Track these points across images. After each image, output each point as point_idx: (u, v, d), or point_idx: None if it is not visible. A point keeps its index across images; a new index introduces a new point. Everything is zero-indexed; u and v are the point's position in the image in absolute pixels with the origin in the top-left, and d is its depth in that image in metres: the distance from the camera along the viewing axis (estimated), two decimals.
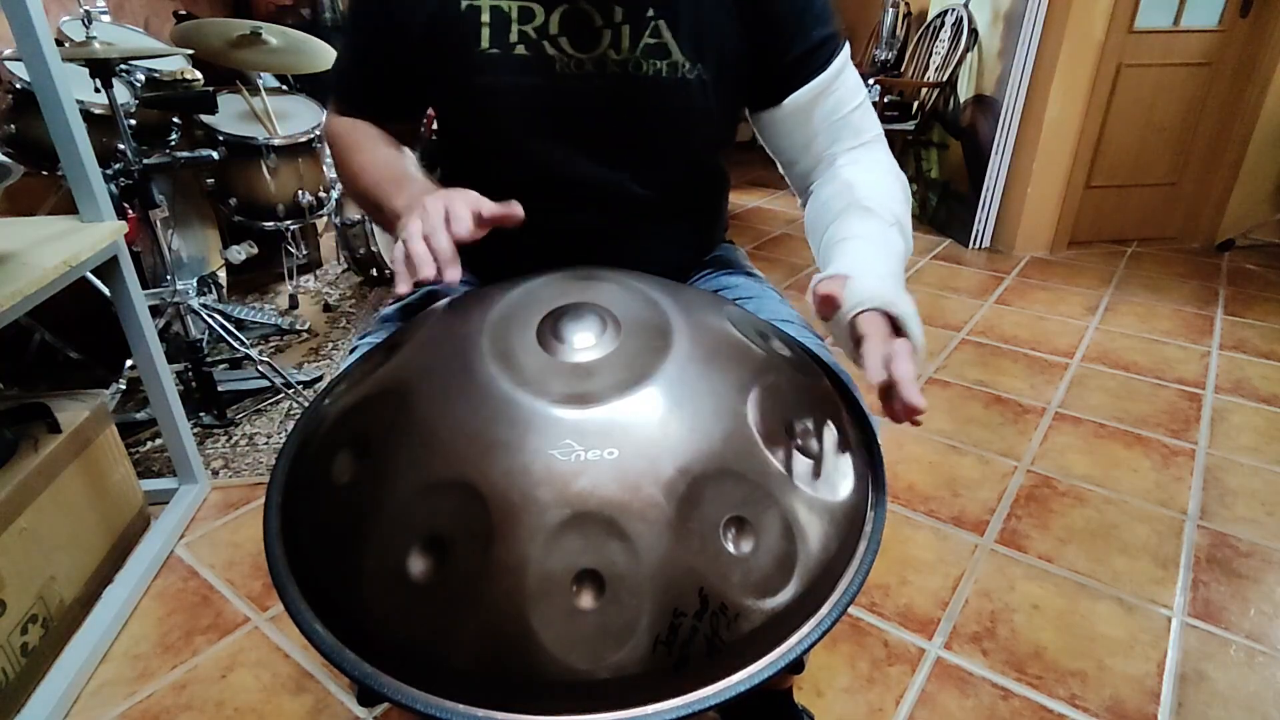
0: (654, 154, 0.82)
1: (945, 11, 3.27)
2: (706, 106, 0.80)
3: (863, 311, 0.59)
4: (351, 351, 0.79)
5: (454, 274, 0.59)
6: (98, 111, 1.79)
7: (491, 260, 0.87)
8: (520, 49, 0.76)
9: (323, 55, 2.17)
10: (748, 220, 3.57)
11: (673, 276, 0.92)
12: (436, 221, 0.62)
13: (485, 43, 0.76)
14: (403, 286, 0.60)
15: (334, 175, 2.44)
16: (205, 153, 1.81)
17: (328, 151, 2.36)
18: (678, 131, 0.82)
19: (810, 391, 0.58)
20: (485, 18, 0.76)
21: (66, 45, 1.84)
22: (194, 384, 1.86)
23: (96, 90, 1.59)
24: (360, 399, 0.57)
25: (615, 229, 0.84)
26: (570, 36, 0.76)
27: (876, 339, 0.56)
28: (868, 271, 0.63)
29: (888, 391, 0.53)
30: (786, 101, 0.81)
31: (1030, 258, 3.08)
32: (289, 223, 2.34)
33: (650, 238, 0.86)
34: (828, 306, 0.59)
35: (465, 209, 0.62)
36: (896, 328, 0.58)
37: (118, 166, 1.63)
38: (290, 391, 1.94)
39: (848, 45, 0.82)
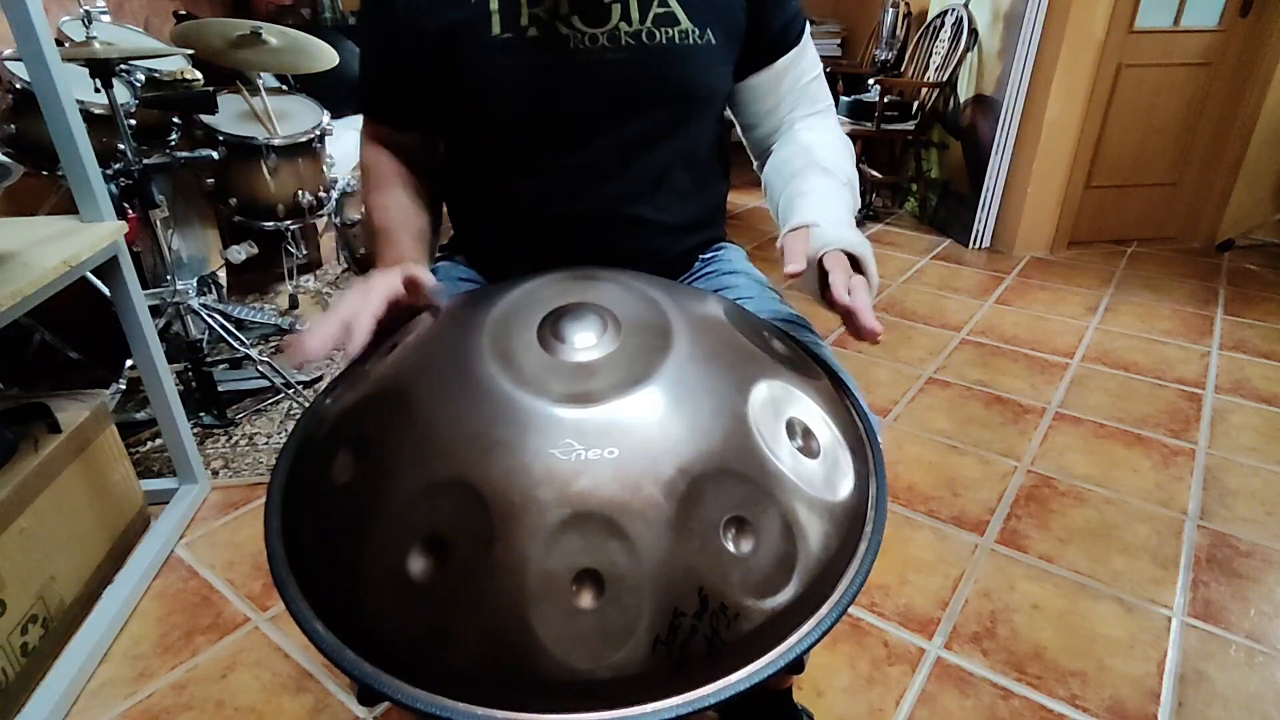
0: (670, 123, 0.83)
1: (945, 11, 3.27)
2: (719, 70, 0.84)
3: (829, 251, 0.68)
4: None
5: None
6: (98, 111, 1.78)
7: (511, 241, 0.88)
8: (533, 31, 0.77)
9: (323, 55, 2.16)
10: (748, 220, 3.57)
11: (679, 260, 0.92)
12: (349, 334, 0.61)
13: (497, 29, 0.77)
14: (293, 361, 0.61)
15: (334, 175, 2.44)
16: (205, 153, 1.81)
17: (328, 151, 2.39)
18: (695, 96, 0.84)
19: (810, 391, 0.58)
20: (494, 5, 0.77)
21: (66, 45, 1.84)
22: (194, 384, 1.86)
23: (96, 90, 1.59)
24: (361, 399, 0.57)
25: (628, 206, 0.85)
26: (581, 14, 0.77)
27: (840, 272, 0.65)
28: (830, 220, 0.73)
29: (849, 317, 0.63)
30: (766, 69, 0.87)
31: (1030, 258, 3.08)
32: (289, 223, 2.34)
33: (660, 213, 0.87)
34: (796, 258, 0.66)
35: (370, 311, 0.62)
36: (856, 267, 0.68)
37: (118, 166, 1.63)
38: (290, 391, 1.94)
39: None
